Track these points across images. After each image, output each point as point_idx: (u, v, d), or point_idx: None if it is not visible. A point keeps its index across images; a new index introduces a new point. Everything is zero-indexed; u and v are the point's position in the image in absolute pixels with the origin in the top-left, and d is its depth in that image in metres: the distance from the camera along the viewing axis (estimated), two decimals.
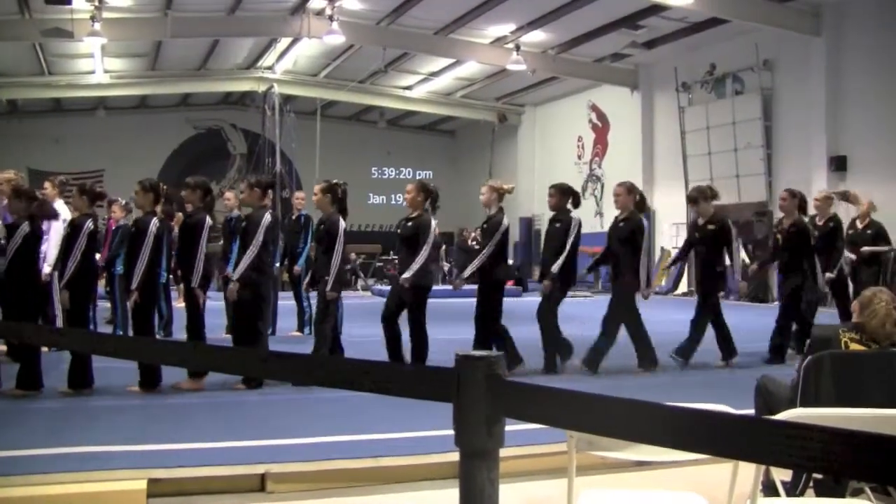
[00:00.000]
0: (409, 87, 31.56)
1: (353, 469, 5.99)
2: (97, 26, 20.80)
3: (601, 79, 28.19)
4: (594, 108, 30.43)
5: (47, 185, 11.44)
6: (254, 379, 8.68)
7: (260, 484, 5.74)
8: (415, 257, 9.62)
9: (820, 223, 11.71)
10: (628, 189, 10.36)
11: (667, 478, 5.56)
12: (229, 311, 10.97)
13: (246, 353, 3.75)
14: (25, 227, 8.69)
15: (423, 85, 31.21)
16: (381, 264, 28.56)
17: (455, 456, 5.76)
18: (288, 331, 13.32)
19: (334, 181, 9.96)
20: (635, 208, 10.32)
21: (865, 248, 12.50)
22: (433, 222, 9.87)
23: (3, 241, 9.01)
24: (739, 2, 20.55)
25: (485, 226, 10.21)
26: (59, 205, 10.75)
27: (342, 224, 9.53)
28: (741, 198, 23.08)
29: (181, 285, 13.66)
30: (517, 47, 24.75)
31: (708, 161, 24.30)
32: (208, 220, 9.21)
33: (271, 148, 28.85)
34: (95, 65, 27.22)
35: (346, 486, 5.89)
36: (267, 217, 9.29)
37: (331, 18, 22.15)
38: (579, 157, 31.11)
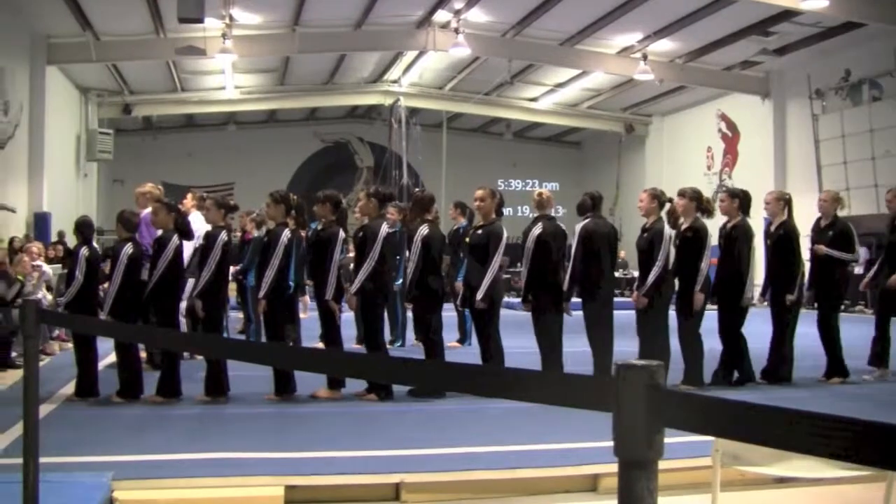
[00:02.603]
0: (534, 99, 31.47)
1: (488, 480, 5.96)
2: (228, 43, 21.31)
3: (731, 87, 27.64)
4: (723, 117, 29.84)
5: (188, 196, 11.84)
6: (384, 388, 8.71)
7: (394, 493, 5.76)
8: (484, 268, 9.35)
9: (772, 229, 10.21)
10: (652, 195, 9.57)
11: (809, 496, 5.40)
12: (359, 322, 11.03)
13: (387, 361, 3.73)
14: (175, 240, 8.93)
15: (549, 96, 31.09)
16: (507, 276, 28.52)
17: (592, 468, 5.72)
18: (448, 341, 13.15)
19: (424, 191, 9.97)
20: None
21: (819, 248, 10.12)
22: (504, 232, 9.65)
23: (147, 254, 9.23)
24: (875, 4, 19.82)
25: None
26: (196, 216, 11.01)
27: (427, 234, 9.58)
28: (879, 208, 22.33)
29: (306, 297, 13.70)
30: (644, 57, 24.47)
31: (843, 170, 23.60)
32: (341, 233, 9.27)
33: (398, 160, 29.20)
34: (226, 81, 27.92)
35: (481, 497, 5.87)
36: (384, 229, 9.19)
37: (456, 31, 22.29)
38: (709, 168, 30.53)
